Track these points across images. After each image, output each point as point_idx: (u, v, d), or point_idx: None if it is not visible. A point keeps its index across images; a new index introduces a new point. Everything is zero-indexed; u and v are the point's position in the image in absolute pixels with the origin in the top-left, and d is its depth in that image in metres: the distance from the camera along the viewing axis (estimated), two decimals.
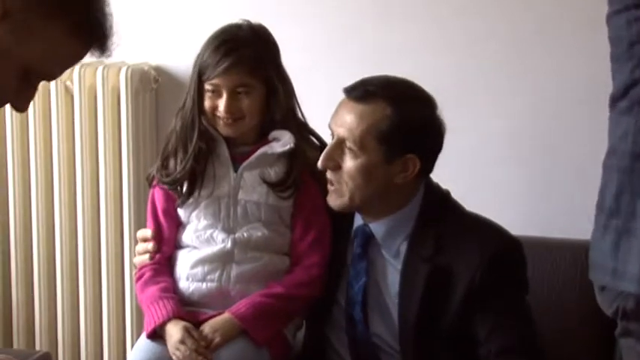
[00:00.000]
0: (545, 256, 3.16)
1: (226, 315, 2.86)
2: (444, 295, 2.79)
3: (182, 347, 2.77)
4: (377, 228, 2.85)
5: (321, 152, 2.90)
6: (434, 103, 2.81)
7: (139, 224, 3.51)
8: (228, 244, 2.93)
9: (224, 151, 2.97)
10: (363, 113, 2.78)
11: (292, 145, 2.91)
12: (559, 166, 3.55)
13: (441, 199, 2.87)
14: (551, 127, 3.55)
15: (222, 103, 2.86)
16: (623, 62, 2.17)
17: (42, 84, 3.48)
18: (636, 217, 2.06)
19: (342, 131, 2.79)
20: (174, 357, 2.77)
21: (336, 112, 2.86)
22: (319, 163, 2.85)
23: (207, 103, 2.89)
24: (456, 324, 2.73)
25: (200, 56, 2.92)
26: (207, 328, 2.82)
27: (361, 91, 2.80)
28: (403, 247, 2.83)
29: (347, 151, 2.78)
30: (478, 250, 2.74)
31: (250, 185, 2.95)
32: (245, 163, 2.94)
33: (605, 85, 2.40)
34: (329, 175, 2.83)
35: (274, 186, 2.93)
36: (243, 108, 2.88)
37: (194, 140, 2.91)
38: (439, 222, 2.83)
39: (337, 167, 2.79)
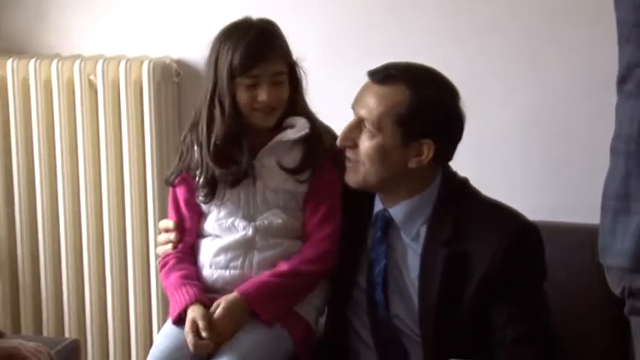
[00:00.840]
0: (559, 240, 3.16)
1: (235, 294, 2.90)
2: (463, 278, 2.81)
3: (189, 336, 2.82)
4: (396, 212, 2.88)
5: (332, 136, 2.99)
6: (455, 91, 2.87)
7: (163, 214, 3.54)
8: (250, 232, 2.96)
9: (243, 141, 3.04)
10: (383, 95, 2.83)
11: (308, 130, 2.96)
12: (571, 152, 3.55)
13: (458, 185, 2.90)
14: (561, 117, 3.55)
15: (263, 93, 2.88)
16: (628, 43, 2.21)
17: (67, 78, 3.92)
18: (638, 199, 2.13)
19: (362, 112, 2.85)
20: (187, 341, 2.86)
21: (359, 93, 2.92)
22: (337, 141, 2.90)
23: (244, 97, 2.91)
24: (474, 308, 2.76)
25: (225, 56, 2.93)
26: (216, 307, 2.86)
27: (383, 74, 2.85)
28: (422, 231, 2.86)
29: (365, 130, 2.83)
30: (496, 235, 2.77)
31: (268, 172, 2.98)
32: (262, 151, 2.98)
33: (613, 74, 2.39)
34: (347, 153, 2.89)
35: (292, 172, 2.97)
36: (282, 96, 2.94)
37: (244, 147, 2.96)
38: (457, 207, 2.86)
39: (355, 146, 2.84)
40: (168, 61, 3.74)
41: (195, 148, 3.01)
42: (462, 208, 2.89)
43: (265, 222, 2.98)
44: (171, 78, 3.75)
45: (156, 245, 3.33)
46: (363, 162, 2.85)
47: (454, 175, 2.94)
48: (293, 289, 2.95)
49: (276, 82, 2.93)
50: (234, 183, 2.98)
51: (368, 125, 2.83)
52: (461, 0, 3.64)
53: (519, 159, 3.59)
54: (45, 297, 3.96)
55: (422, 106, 2.81)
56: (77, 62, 3.76)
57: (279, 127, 2.98)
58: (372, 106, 2.85)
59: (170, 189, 3.13)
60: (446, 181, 2.91)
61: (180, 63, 3.78)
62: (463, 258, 2.83)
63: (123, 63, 3.69)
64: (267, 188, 2.99)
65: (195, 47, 3.58)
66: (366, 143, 2.85)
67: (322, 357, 3.08)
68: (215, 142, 2.96)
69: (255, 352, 2.87)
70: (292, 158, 2.97)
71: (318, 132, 3.02)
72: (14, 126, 3.88)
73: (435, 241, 2.87)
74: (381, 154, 2.83)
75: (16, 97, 3.87)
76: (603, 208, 2.21)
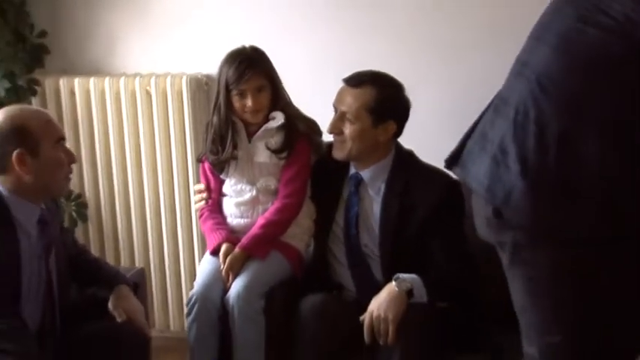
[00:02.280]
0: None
1: (236, 250, 3.48)
2: (410, 218, 3.38)
3: (222, 264, 3.47)
4: (365, 174, 3.48)
5: (310, 124, 3.58)
6: (403, 87, 3.44)
7: (197, 182, 4.03)
8: (254, 192, 3.57)
9: (242, 131, 3.54)
10: (357, 95, 3.40)
11: (282, 120, 3.48)
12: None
13: (406, 155, 3.50)
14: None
15: (249, 101, 3.43)
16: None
17: (130, 90, 4.23)
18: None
19: (343, 108, 3.41)
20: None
21: (339, 95, 3.46)
22: (328, 130, 3.47)
23: (237, 104, 3.46)
24: (417, 237, 3.36)
25: (224, 74, 3.47)
26: (230, 253, 3.48)
27: (356, 80, 3.43)
28: (382, 187, 3.46)
29: (347, 120, 3.40)
30: (434, 189, 3.39)
31: (260, 151, 3.52)
32: (255, 137, 3.52)
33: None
34: (334, 137, 3.47)
35: (274, 151, 3.50)
36: (263, 102, 3.47)
37: (229, 134, 3.51)
38: (406, 170, 3.46)
39: (340, 132, 3.42)
40: (199, 76, 4.25)
41: (210, 132, 3.58)
42: (409, 171, 3.47)
43: (263, 185, 3.57)
44: (202, 88, 4.24)
45: (194, 202, 3.84)
46: (347, 141, 3.42)
47: (402, 148, 3.51)
48: (271, 233, 3.53)
49: (259, 92, 3.46)
50: (223, 164, 3.55)
51: (349, 116, 3.39)
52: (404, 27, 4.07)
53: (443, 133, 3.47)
54: (120, 238, 4.49)
55: (384, 99, 3.39)
56: (137, 78, 4.26)
57: (267, 119, 3.52)
58: (350, 103, 3.40)
59: (201, 166, 3.71)
60: (398, 153, 3.49)
61: (208, 77, 4.21)
62: (410, 205, 3.39)
63: (169, 78, 4.21)
64: (259, 162, 3.54)
65: (217, 63, 3.79)
66: (348, 129, 3.40)
67: (311, 275, 3.59)
68: (212, 136, 3.55)
69: (262, 273, 3.47)
70: (275, 140, 3.50)
71: (293, 122, 3.52)
72: (96, 125, 4.38)
73: (391, 193, 3.45)
74: (360, 135, 3.40)
75: (97, 104, 4.35)
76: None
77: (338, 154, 3.47)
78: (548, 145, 2.20)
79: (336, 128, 3.44)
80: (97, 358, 3.05)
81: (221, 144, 3.53)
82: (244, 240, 3.50)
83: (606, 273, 2.25)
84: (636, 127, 2.17)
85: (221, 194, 3.67)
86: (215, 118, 3.53)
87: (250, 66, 3.45)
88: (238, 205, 3.62)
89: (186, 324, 3.54)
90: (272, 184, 3.57)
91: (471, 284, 3.35)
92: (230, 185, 3.62)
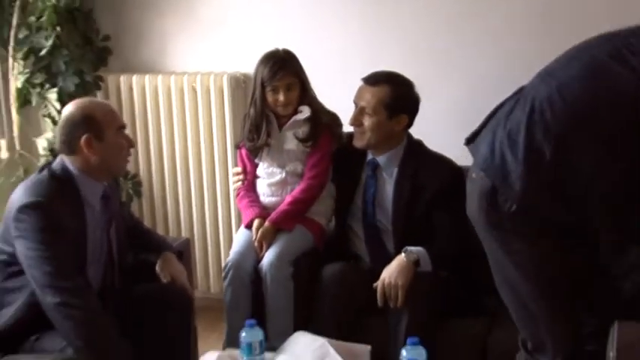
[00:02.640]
0: None
1: (267, 223, 3.54)
2: (419, 198, 3.43)
3: (254, 237, 3.54)
4: (381, 160, 3.50)
5: (332, 117, 3.61)
6: (413, 85, 3.48)
7: (234, 166, 4.04)
8: (283, 175, 3.62)
9: (274, 122, 3.59)
10: (374, 92, 3.45)
11: (309, 114, 3.52)
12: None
13: (416, 144, 3.54)
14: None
15: (281, 97, 3.50)
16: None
17: (178, 85, 4.27)
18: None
19: (363, 103, 3.45)
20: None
21: (358, 91, 3.49)
22: (349, 122, 3.48)
23: (270, 99, 3.52)
24: (424, 215, 3.41)
25: (259, 73, 3.52)
26: (261, 227, 3.54)
27: (373, 79, 3.47)
28: (395, 171, 3.49)
29: (365, 114, 3.44)
30: (440, 173, 3.44)
31: (289, 139, 3.57)
32: (285, 127, 3.57)
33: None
34: (355, 129, 3.50)
35: (301, 140, 3.56)
36: (292, 97, 3.54)
37: (264, 124, 3.55)
38: (417, 157, 3.50)
39: (360, 124, 3.46)
40: (238, 75, 4.29)
41: (247, 122, 3.62)
42: (418, 157, 3.50)
43: (291, 168, 3.62)
44: (240, 85, 4.27)
45: (232, 183, 3.92)
46: (366, 133, 3.45)
47: (412, 137, 3.54)
48: (297, 209, 3.58)
49: (289, 89, 3.52)
50: (257, 150, 3.61)
51: (367, 111, 3.43)
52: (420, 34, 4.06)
53: (449, 126, 3.81)
54: (169, 212, 4.55)
55: (398, 96, 3.44)
56: (185, 76, 4.31)
57: (295, 112, 3.56)
58: (368, 99, 3.43)
59: (238, 152, 3.76)
60: (409, 141, 3.53)
61: (245, 75, 4.24)
62: (419, 186, 3.42)
63: (212, 76, 4.26)
64: (288, 149, 3.58)
65: (254, 65, 3.76)
66: (367, 122, 3.44)
67: (332, 247, 3.61)
68: (249, 126, 3.60)
69: (290, 244, 3.52)
70: (302, 131, 3.55)
71: (317, 115, 3.55)
72: (149, 116, 4.44)
73: (403, 177, 3.48)
74: (377, 126, 3.44)
75: (151, 98, 4.41)
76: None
77: (358, 143, 3.50)
78: (550, 144, 2.30)
79: (356, 121, 3.47)
80: (149, 314, 3.10)
81: (256, 133, 3.58)
82: (274, 215, 3.56)
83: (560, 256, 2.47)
84: (631, 150, 2.29)
85: (255, 176, 3.69)
86: (252, 111, 3.58)
87: (282, 66, 3.51)
88: (270, 185, 3.66)
89: (223, 287, 3.60)
90: (299, 168, 3.61)
91: (468, 256, 3.30)
92: (263, 168, 3.66)
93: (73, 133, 2.96)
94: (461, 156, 3.33)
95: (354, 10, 4.17)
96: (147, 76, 4.41)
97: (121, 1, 4.46)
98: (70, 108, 3.03)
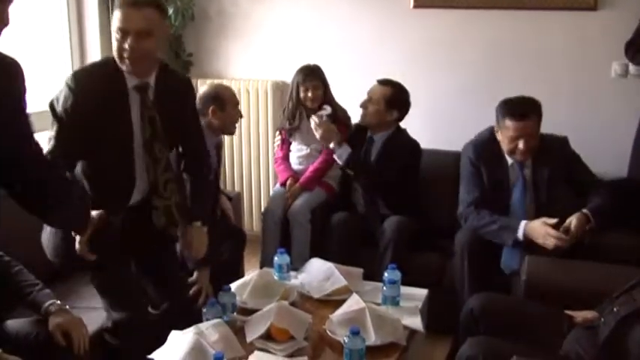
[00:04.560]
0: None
1: (297, 184, 3.53)
2: (396, 159, 3.37)
3: (288, 193, 3.51)
4: (376, 137, 3.47)
5: (344, 112, 3.54)
6: (409, 93, 3.43)
7: (275, 147, 3.84)
8: (309, 150, 3.61)
9: (304, 113, 3.55)
10: (381, 89, 3.41)
11: (329, 111, 3.48)
12: (468, 110, 3.84)
13: (400, 130, 3.48)
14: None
15: (310, 94, 3.49)
16: None
17: (237, 88, 3.81)
18: None
19: (371, 94, 3.42)
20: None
21: (372, 87, 3.44)
22: (360, 104, 3.42)
23: (302, 95, 3.50)
24: (397, 174, 3.34)
25: (296, 78, 3.53)
26: (292, 185, 3.51)
27: (384, 81, 3.43)
28: (381, 144, 3.44)
29: (371, 103, 3.42)
30: (406, 146, 3.42)
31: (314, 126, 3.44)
32: (311, 117, 3.45)
33: None
34: (362, 111, 3.44)
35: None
36: (317, 95, 3.51)
37: (297, 114, 3.54)
38: (399, 137, 3.46)
39: (366, 108, 3.43)
40: (278, 81, 4.22)
41: (287, 110, 3.60)
42: (399, 138, 3.47)
43: (314, 146, 3.59)
44: (279, 89, 4.21)
45: (274, 144, 3.80)
46: (369, 115, 3.42)
47: (400, 126, 3.48)
48: (317, 175, 3.57)
49: (315, 88, 3.50)
50: (292, 131, 3.59)
51: (373, 100, 3.40)
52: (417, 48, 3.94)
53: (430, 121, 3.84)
54: (228, 173, 4.42)
55: (394, 96, 3.40)
56: (241, 81, 4.23)
57: (319, 108, 3.51)
58: (377, 92, 3.40)
59: (279, 132, 3.72)
60: (397, 128, 3.47)
61: (284, 82, 4.15)
62: (398, 153, 3.39)
63: (260, 82, 4.21)
64: (313, 132, 3.45)
65: (289, 74, 3.79)
66: (370, 108, 3.41)
67: (340, 202, 3.55)
68: (288, 116, 3.58)
69: (310, 198, 3.50)
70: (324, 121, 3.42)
71: (336, 112, 3.51)
72: None
73: (388, 146, 3.43)
74: (377, 113, 3.41)
75: None
76: None
77: (363, 121, 3.48)
78: None
79: (364, 105, 3.45)
80: (217, 246, 2.96)
81: (292, 119, 3.57)
82: (302, 179, 3.56)
83: None
84: None
85: (289, 150, 3.68)
86: (290, 104, 3.57)
87: (311, 73, 3.52)
88: (299, 157, 3.66)
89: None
90: (319, 146, 3.58)
91: (421, 204, 3.43)
92: (295, 145, 3.66)
93: (205, 104, 3.01)
94: (427, 140, 3.56)
95: (362, 35, 4.10)
96: (216, 81, 4.00)
97: (200, 28, 4.40)
98: (205, 87, 3.13)
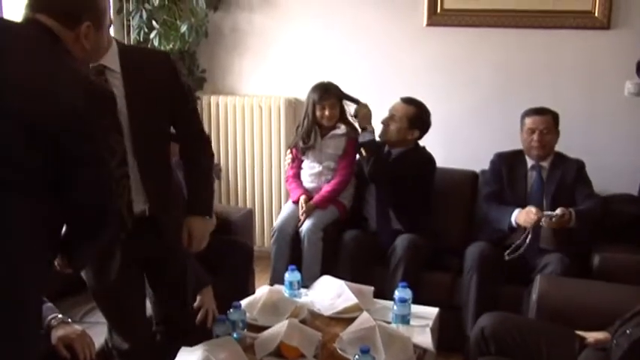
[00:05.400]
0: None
1: (311, 202, 3.49)
2: (410, 169, 3.39)
3: (300, 210, 3.44)
4: (394, 151, 3.50)
5: (355, 130, 3.49)
6: (430, 114, 3.46)
7: (285, 161, 3.81)
8: (320, 168, 3.57)
9: (318, 132, 3.53)
10: (404, 108, 3.45)
11: (344, 131, 3.52)
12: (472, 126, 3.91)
13: (420, 147, 3.50)
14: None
15: (327, 112, 3.48)
16: None
17: (249, 104, 3.95)
18: None
19: (394, 112, 3.46)
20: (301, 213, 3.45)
21: (395, 104, 3.47)
22: (382, 121, 3.44)
23: (319, 114, 3.48)
24: (414, 183, 3.39)
25: (312, 96, 3.50)
26: (306, 203, 3.48)
27: (407, 100, 3.46)
28: (398, 156, 3.44)
29: (393, 120, 3.44)
30: (423, 156, 3.46)
31: (327, 145, 3.54)
32: (325, 137, 3.53)
33: None
34: (383, 127, 3.46)
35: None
36: (334, 114, 3.51)
37: (312, 132, 3.50)
38: (416, 151, 3.49)
39: (388, 125, 3.45)
40: (290, 98, 4.25)
41: (301, 129, 3.56)
42: (417, 152, 3.50)
43: (326, 164, 3.56)
44: (291, 105, 4.24)
45: (285, 161, 3.75)
46: (391, 132, 3.44)
47: (418, 144, 3.51)
48: (332, 195, 3.53)
49: (332, 107, 3.50)
50: (305, 150, 3.55)
51: (396, 118, 3.43)
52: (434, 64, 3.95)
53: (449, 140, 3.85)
54: (239, 190, 4.44)
55: (417, 116, 3.44)
56: (254, 97, 4.27)
57: (334, 127, 3.54)
58: (400, 110, 3.44)
59: (290, 149, 3.69)
60: (415, 145, 3.50)
61: (296, 99, 4.22)
62: (413, 164, 3.41)
63: (272, 98, 4.24)
64: (326, 151, 3.54)
65: (301, 91, 3.89)
66: (393, 125, 3.44)
67: (352, 218, 3.55)
68: (302, 134, 3.53)
69: (322, 216, 3.47)
70: (340, 142, 3.52)
71: (350, 130, 3.53)
72: (230, 125, 4.36)
73: (404, 159, 3.45)
74: (399, 131, 3.44)
75: (231, 113, 4.33)
76: None
77: (382, 137, 3.48)
78: None
79: (385, 122, 3.49)
80: (224, 258, 3.01)
81: (307, 138, 3.54)
82: (317, 197, 3.53)
83: None
84: None
85: (300, 168, 3.65)
86: (305, 123, 3.53)
87: (328, 91, 3.52)
88: (310, 175, 3.64)
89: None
90: (332, 165, 3.57)
91: (434, 223, 3.45)
92: (307, 163, 3.63)
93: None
94: (441, 159, 3.58)
95: (375, 53, 4.13)
96: (229, 97, 4.40)
97: (214, 46, 4.42)
98: None
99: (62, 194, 1.59)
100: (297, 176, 3.67)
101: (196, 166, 2.28)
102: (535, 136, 3.24)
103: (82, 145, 1.59)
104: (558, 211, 3.02)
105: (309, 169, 3.64)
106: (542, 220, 3.03)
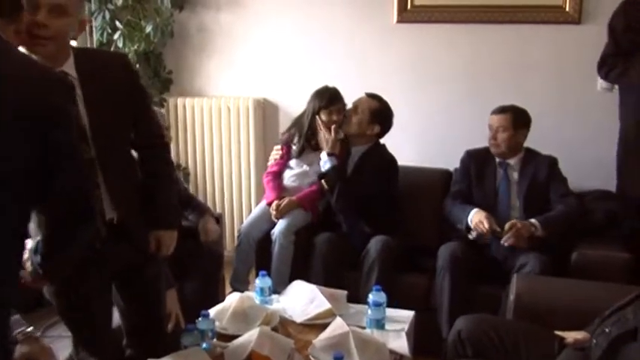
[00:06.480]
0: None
1: (294, 198, 3.46)
2: (372, 172, 3.39)
3: (273, 212, 3.45)
4: (354, 150, 3.50)
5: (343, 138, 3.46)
6: (392, 109, 3.47)
7: (256, 167, 4.21)
8: (308, 169, 3.54)
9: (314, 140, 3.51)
10: (368, 101, 3.45)
11: (342, 136, 3.47)
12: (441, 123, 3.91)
13: (381, 145, 3.51)
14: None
15: (334, 117, 3.44)
16: None
17: (217, 105, 3.95)
18: None
19: (357, 104, 3.46)
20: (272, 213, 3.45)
21: (358, 98, 3.47)
22: (344, 113, 3.42)
23: (326, 119, 3.43)
24: (375, 181, 3.37)
25: (316, 102, 3.45)
26: (282, 201, 3.43)
27: (372, 95, 3.46)
28: (358, 157, 3.46)
29: (355, 113, 3.44)
30: (384, 158, 3.44)
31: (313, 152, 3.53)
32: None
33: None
34: (345, 120, 3.44)
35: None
36: (341, 120, 3.48)
37: (312, 140, 3.50)
38: (376, 150, 3.48)
39: (350, 117, 3.44)
40: (259, 99, 4.25)
41: (297, 133, 3.54)
42: (377, 151, 3.48)
43: (315, 168, 3.52)
44: (260, 106, 4.25)
45: (271, 156, 3.67)
46: (352, 125, 3.44)
47: (379, 142, 3.49)
48: (316, 197, 3.52)
49: (340, 112, 3.46)
50: (301, 152, 3.53)
51: (358, 111, 3.44)
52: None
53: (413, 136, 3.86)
54: (207, 194, 4.43)
55: (379, 110, 3.44)
56: (223, 99, 4.27)
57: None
58: (363, 103, 3.44)
59: (281, 145, 3.61)
60: (376, 143, 3.49)
61: (265, 100, 4.27)
62: (374, 166, 3.41)
63: (241, 99, 4.23)
64: (321, 155, 3.47)
65: (270, 92, 4.23)
66: (354, 118, 3.44)
67: (324, 221, 3.49)
68: (302, 140, 3.52)
69: (295, 219, 3.43)
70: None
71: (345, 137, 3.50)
72: (197, 127, 4.34)
73: (363, 160, 3.45)
74: (360, 123, 3.43)
75: (199, 115, 4.32)
76: None
77: (344, 128, 3.48)
78: None
79: (349, 113, 3.48)
80: (191, 265, 3.02)
81: (307, 143, 3.53)
82: (300, 195, 3.50)
83: None
84: None
85: (285, 167, 3.61)
86: (304, 129, 3.52)
87: (336, 98, 3.48)
88: (295, 175, 3.60)
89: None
90: (320, 169, 3.50)
91: (407, 223, 3.45)
92: (295, 162, 3.59)
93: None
94: (412, 159, 3.57)
95: (345, 51, 4.11)
96: (196, 99, 4.39)
97: (181, 46, 4.41)
98: None
99: (45, 185, 1.58)
100: (278, 176, 3.63)
101: (159, 175, 2.27)
102: (490, 134, 3.29)
103: (63, 134, 1.59)
104: (507, 225, 3.05)
105: (297, 167, 3.60)
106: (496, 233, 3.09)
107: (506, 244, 3.07)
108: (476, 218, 3.15)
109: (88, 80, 2.02)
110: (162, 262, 2.41)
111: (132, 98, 2.14)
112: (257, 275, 2.83)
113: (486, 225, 3.08)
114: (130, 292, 2.31)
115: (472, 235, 3.16)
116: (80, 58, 2.04)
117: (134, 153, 2.27)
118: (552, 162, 3.29)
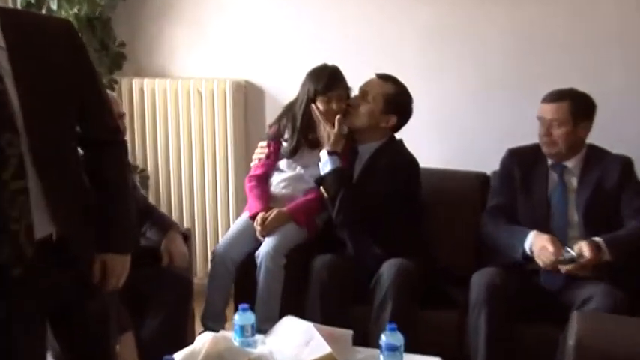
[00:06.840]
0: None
1: (285, 209, 3.45)
2: (385, 173, 3.35)
3: (258, 228, 3.42)
4: (362, 149, 3.50)
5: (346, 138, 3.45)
6: (412, 100, 3.45)
7: (236, 168, 4.23)
8: (302, 172, 3.54)
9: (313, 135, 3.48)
10: (380, 85, 3.42)
11: (346, 131, 3.44)
12: (458, 121, 3.92)
13: (397, 142, 3.50)
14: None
15: (334, 105, 3.41)
16: None
17: (185, 89, 4.19)
18: None
19: (368, 89, 3.43)
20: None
21: (367, 82, 3.45)
22: (350, 101, 3.44)
23: (324, 108, 3.40)
24: (389, 187, 3.33)
25: (312, 84, 3.43)
26: (270, 213, 3.41)
27: (385, 76, 3.43)
28: (367, 156, 3.45)
29: (364, 100, 3.41)
30: (400, 160, 3.41)
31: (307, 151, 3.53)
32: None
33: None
34: (352, 110, 3.42)
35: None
36: (342, 108, 3.43)
37: (309, 134, 3.48)
38: (392, 148, 3.46)
39: (358, 106, 3.41)
40: (240, 81, 4.28)
41: (289, 125, 3.52)
42: (393, 149, 3.47)
43: (311, 171, 3.51)
44: (241, 90, 4.28)
45: (255, 154, 3.71)
46: (361, 115, 3.41)
47: (394, 137, 3.50)
48: (314, 207, 3.50)
49: (340, 99, 3.44)
50: (294, 151, 3.51)
51: (368, 97, 3.41)
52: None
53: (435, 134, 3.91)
54: (172, 203, 4.47)
55: (396, 96, 3.41)
56: (192, 80, 4.29)
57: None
58: (375, 88, 3.42)
59: (268, 141, 3.61)
60: (390, 139, 3.49)
61: (247, 82, 4.28)
62: (385, 168, 3.37)
63: (216, 81, 4.25)
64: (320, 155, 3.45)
65: (254, 73, 4.25)
66: (364, 106, 3.41)
67: (324, 239, 3.52)
68: (297, 135, 3.49)
69: (286, 237, 3.41)
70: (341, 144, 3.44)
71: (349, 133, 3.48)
72: (158, 116, 4.39)
73: (375, 160, 3.44)
74: (372, 113, 3.41)
75: (160, 100, 4.38)
76: None
77: (348, 122, 3.46)
78: None
79: (357, 99, 3.47)
80: (152, 295, 3.06)
81: (304, 138, 3.53)
82: (292, 205, 3.51)
83: None
84: None
85: (274, 168, 3.63)
86: (298, 122, 3.52)
87: (336, 80, 3.48)
88: (286, 179, 3.61)
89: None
90: (317, 173, 3.49)
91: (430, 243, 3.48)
92: (286, 163, 3.61)
93: None
94: (436, 159, 3.64)
95: (348, 23, 4.11)
96: (157, 80, 4.40)
97: (136, 11, 4.42)
98: None
99: None
100: (264, 181, 3.65)
101: (113, 183, 2.23)
102: (542, 130, 3.24)
103: None
104: (576, 249, 2.98)
105: (287, 169, 3.63)
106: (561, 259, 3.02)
107: (563, 271, 3.02)
108: (538, 244, 3.06)
109: (18, 51, 1.95)
110: (114, 297, 2.36)
111: (78, 78, 2.09)
112: (236, 310, 2.81)
113: (551, 249, 3.00)
114: (67, 334, 2.25)
115: (563, 268, 3.04)
116: (10, 22, 1.97)
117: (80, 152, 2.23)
118: (625, 164, 3.23)
